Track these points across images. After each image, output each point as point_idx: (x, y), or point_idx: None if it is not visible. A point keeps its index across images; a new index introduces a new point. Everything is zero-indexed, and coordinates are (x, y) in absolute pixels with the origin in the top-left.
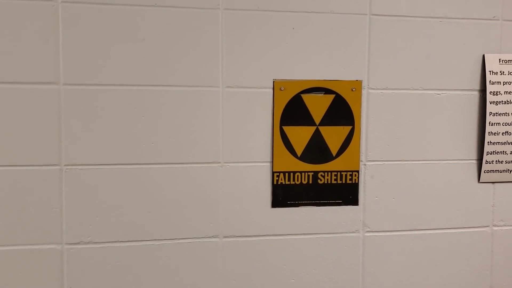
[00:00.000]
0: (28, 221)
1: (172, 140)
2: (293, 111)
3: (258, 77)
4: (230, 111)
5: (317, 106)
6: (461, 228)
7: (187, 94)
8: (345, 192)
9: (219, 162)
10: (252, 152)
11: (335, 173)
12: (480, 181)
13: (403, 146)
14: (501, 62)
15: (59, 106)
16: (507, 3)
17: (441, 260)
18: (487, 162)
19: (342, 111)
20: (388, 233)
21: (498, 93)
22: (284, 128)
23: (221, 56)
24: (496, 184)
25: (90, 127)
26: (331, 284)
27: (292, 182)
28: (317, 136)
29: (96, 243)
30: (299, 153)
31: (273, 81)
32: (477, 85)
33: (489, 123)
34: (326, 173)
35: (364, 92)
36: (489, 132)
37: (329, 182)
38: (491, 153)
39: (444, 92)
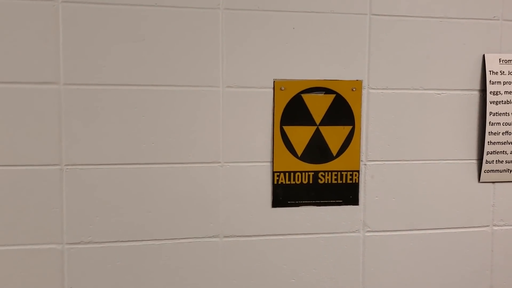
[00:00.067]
0: (29, 221)
1: (172, 140)
2: (293, 111)
3: (259, 77)
4: (230, 111)
5: (318, 106)
6: (461, 228)
7: (187, 94)
8: (345, 192)
9: (220, 162)
10: (253, 152)
11: (336, 173)
12: (480, 181)
13: (404, 146)
14: (501, 62)
15: (59, 106)
16: (507, 3)
17: (441, 259)
18: (487, 162)
19: (342, 111)
20: (389, 233)
21: (498, 93)
22: (285, 128)
23: (222, 56)
24: (496, 184)
25: (91, 127)
26: (331, 284)
27: (292, 182)
28: (317, 136)
29: (96, 243)
30: (299, 153)
31: (274, 81)
32: (477, 85)
33: (489, 123)
34: (326, 173)
35: (364, 92)
36: (489, 132)
37: (329, 182)
38: (491, 153)
39: (444, 92)
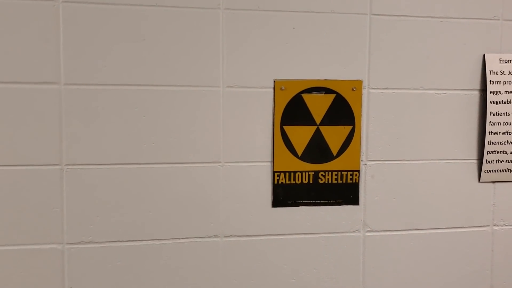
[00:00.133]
0: (29, 221)
1: (172, 140)
2: (293, 111)
3: (259, 77)
4: (230, 110)
5: (318, 105)
6: (461, 227)
7: (187, 94)
8: (345, 192)
9: (220, 162)
10: (253, 152)
11: (336, 172)
12: (481, 180)
13: (404, 146)
14: (501, 61)
15: (60, 106)
16: (507, 3)
17: (442, 259)
18: (487, 161)
19: (342, 111)
20: (389, 233)
21: (499, 92)
22: (285, 127)
23: (222, 56)
24: (496, 183)
25: (91, 127)
26: (331, 284)
27: (292, 182)
28: (317, 135)
29: (97, 242)
30: (299, 153)
31: (274, 81)
32: (477, 85)
33: (490, 122)
34: (326, 173)
35: (364, 91)
36: (489, 132)
37: (329, 181)
38: (491, 153)
39: (444, 91)
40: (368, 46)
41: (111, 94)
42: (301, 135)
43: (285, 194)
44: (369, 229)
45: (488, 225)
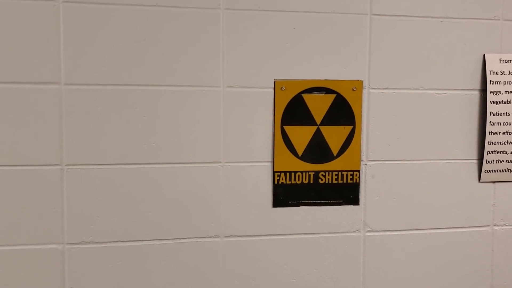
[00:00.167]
0: (29, 221)
1: (173, 140)
2: (294, 111)
3: (259, 77)
4: (231, 111)
5: (318, 105)
6: (461, 227)
7: (188, 94)
8: (346, 192)
9: (220, 162)
10: (253, 152)
11: (336, 172)
12: (481, 180)
13: (404, 146)
14: (501, 61)
15: (60, 106)
16: (508, 3)
17: (442, 259)
18: (487, 161)
19: (343, 111)
20: (389, 233)
21: (499, 92)
22: (285, 127)
23: (222, 56)
24: (496, 183)
25: (91, 127)
26: (332, 284)
27: (293, 182)
28: (318, 135)
29: (97, 243)
30: (300, 153)
31: (274, 81)
32: (477, 85)
33: (490, 122)
34: (327, 173)
35: (365, 91)
36: (489, 132)
37: (330, 181)
38: (491, 153)
39: (444, 91)
40: (368, 46)
41: (112, 94)
42: (301, 135)
43: (286, 194)
44: (369, 229)
45: (488, 225)
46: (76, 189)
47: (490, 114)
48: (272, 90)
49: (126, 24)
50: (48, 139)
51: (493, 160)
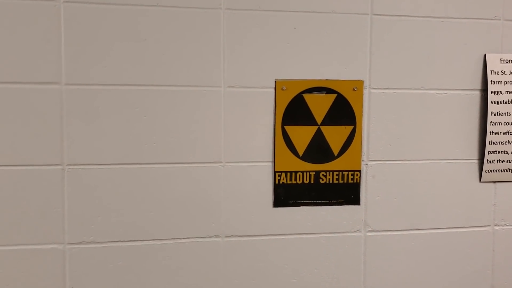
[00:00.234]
0: (30, 221)
1: (174, 140)
2: (294, 111)
3: (260, 77)
4: (231, 110)
5: (319, 105)
6: (462, 227)
7: (189, 94)
8: (346, 192)
9: (221, 162)
10: (254, 152)
11: (337, 172)
12: (482, 180)
13: (405, 146)
14: (502, 61)
15: (61, 106)
16: (508, 3)
17: (443, 259)
18: (488, 161)
19: (343, 111)
20: (390, 233)
21: (499, 92)
22: (286, 127)
23: (223, 56)
24: (497, 183)
25: (92, 127)
26: (332, 284)
27: (293, 182)
28: (318, 135)
29: (98, 242)
30: (300, 153)
31: (275, 81)
32: (478, 85)
33: (491, 122)
34: (327, 173)
35: (365, 91)
36: (490, 132)
37: (330, 181)
38: (492, 153)
39: (445, 91)
40: (369, 46)
41: (112, 94)
42: (302, 135)
43: (286, 194)
44: (370, 229)
45: (489, 225)
46: (77, 189)
47: (491, 114)
48: (273, 90)
49: (127, 24)
50: (49, 139)
51: (494, 160)
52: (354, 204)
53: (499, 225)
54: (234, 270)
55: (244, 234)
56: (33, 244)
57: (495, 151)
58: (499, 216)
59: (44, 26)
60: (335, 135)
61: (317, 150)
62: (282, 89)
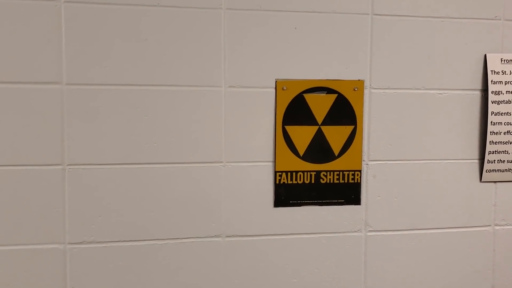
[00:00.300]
0: (31, 220)
1: (174, 140)
2: (295, 111)
3: (261, 77)
4: (232, 110)
5: (320, 105)
6: (463, 227)
7: (189, 94)
8: (347, 192)
9: (222, 162)
10: (255, 152)
11: (338, 172)
12: (482, 180)
13: (405, 146)
14: (502, 61)
15: (61, 106)
16: (509, 3)
17: (443, 259)
18: (489, 161)
19: (344, 111)
20: (390, 233)
21: (500, 92)
22: (287, 127)
23: (224, 56)
24: (498, 183)
25: (93, 127)
26: (333, 284)
27: (294, 182)
28: (319, 135)
29: (98, 242)
30: (301, 153)
31: (276, 81)
32: (478, 85)
33: (491, 122)
34: (328, 173)
35: (366, 91)
36: (491, 132)
37: (331, 181)
38: (493, 153)
39: (446, 91)
40: (369, 46)
41: (113, 94)
42: (302, 135)
43: (287, 194)
44: (370, 229)
45: (489, 225)
46: (78, 189)
47: (492, 114)
48: (274, 90)
49: (128, 24)
50: (49, 139)
51: (494, 160)
52: (355, 204)
53: (500, 225)
54: (234, 270)
55: (245, 234)
56: (34, 244)
57: (495, 151)
58: (500, 216)
59: (45, 26)
60: (335, 135)
61: (318, 150)
62: (282, 89)
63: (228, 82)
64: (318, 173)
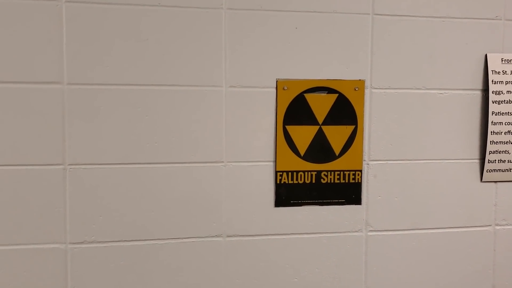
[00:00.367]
0: (32, 220)
1: (175, 140)
2: (296, 111)
3: (261, 77)
4: (233, 110)
5: (320, 105)
6: (463, 227)
7: (190, 94)
8: (348, 192)
9: (222, 162)
10: (255, 152)
11: (338, 172)
12: (483, 180)
13: (406, 146)
14: (503, 61)
15: (62, 106)
16: (509, 3)
17: (444, 259)
18: (489, 161)
19: (345, 111)
20: (391, 232)
21: (501, 92)
22: (287, 127)
23: (224, 56)
24: (498, 183)
25: (94, 126)
26: (334, 283)
27: (295, 182)
28: (320, 135)
29: (99, 242)
30: (302, 153)
31: (276, 81)
32: (479, 85)
33: (492, 122)
34: (329, 173)
35: (367, 91)
36: (491, 132)
37: (332, 181)
38: (493, 153)
39: (446, 91)
40: (370, 46)
41: (114, 94)
42: (303, 135)
43: (288, 193)
44: (371, 229)
45: (490, 225)
46: (79, 188)
47: (492, 114)
48: (274, 90)
49: (129, 24)
50: (50, 139)
51: (495, 160)
52: (356, 204)
53: (500, 225)
54: (235, 270)
55: (246, 233)
56: (35, 244)
57: (496, 151)
58: (500, 216)
59: (46, 25)
60: (336, 135)
61: (319, 150)
62: (283, 89)
63: (229, 82)
64: (318, 173)
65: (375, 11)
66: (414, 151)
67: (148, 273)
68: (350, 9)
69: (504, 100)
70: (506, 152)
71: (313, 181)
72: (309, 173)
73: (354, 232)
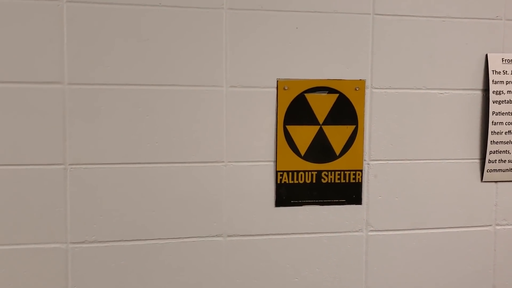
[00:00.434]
0: (33, 220)
1: (176, 140)
2: (296, 111)
3: (262, 77)
4: (233, 110)
5: (321, 105)
6: (464, 227)
7: (191, 94)
8: (348, 191)
9: (223, 162)
10: (256, 152)
11: (339, 172)
12: (483, 180)
13: (406, 145)
14: (504, 61)
15: (63, 106)
16: (510, 3)
17: (444, 259)
18: (490, 161)
19: (345, 111)
20: (391, 232)
21: (501, 92)
22: (288, 127)
23: (225, 56)
24: (499, 183)
25: (94, 126)
26: (334, 283)
27: (295, 181)
28: (320, 135)
29: (100, 242)
30: (302, 153)
31: (277, 81)
32: (480, 85)
33: (492, 122)
34: (329, 173)
35: (367, 91)
36: (492, 132)
37: (332, 181)
38: (494, 152)
39: (447, 91)
40: (371, 45)
41: (115, 93)
42: (304, 135)
43: (288, 193)
44: (372, 229)
45: (490, 225)
46: (79, 188)
47: (493, 113)
48: (275, 90)
49: (129, 24)
50: (51, 138)
51: (496, 160)
52: (356, 204)
53: (501, 225)
54: (236, 270)
55: (246, 233)
56: (36, 244)
57: (496, 150)
58: (501, 216)
59: (47, 25)
60: (337, 135)
61: (319, 150)
62: (284, 88)
63: (230, 82)
64: (319, 172)
65: (375, 11)
66: (414, 151)
67: (149, 273)
68: (350, 9)
69: (505, 100)
70: (507, 152)
71: (314, 181)
72: (310, 173)
73: (354, 232)
